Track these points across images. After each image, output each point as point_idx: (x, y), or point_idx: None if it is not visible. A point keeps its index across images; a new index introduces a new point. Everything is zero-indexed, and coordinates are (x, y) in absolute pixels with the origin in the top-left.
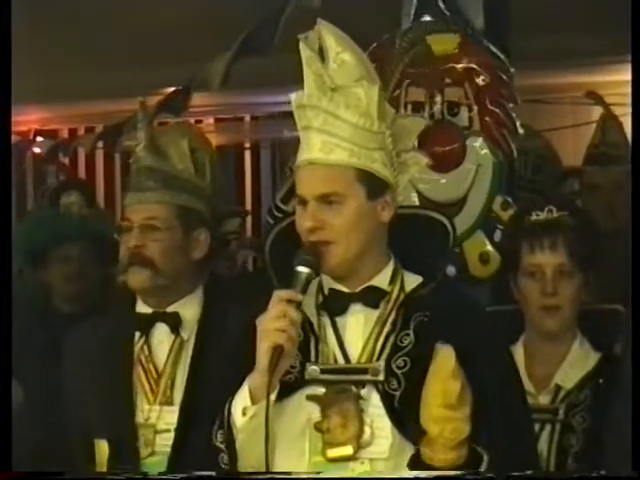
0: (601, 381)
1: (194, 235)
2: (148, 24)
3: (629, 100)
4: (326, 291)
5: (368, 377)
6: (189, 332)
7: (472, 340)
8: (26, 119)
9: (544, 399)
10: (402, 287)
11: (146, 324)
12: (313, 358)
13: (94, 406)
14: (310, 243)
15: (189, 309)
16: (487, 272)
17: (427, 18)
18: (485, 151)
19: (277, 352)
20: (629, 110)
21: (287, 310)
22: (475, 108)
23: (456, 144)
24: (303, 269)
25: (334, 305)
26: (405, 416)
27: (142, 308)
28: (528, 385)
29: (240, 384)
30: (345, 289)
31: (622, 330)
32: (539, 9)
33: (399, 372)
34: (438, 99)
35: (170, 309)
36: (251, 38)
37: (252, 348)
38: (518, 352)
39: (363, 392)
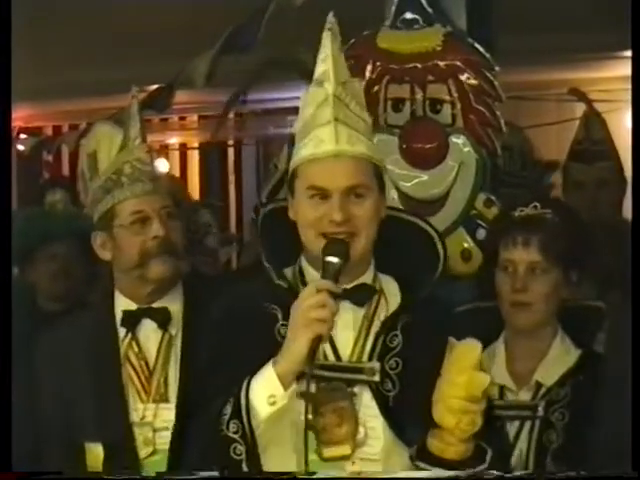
0: (582, 378)
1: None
2: (133, 23)
3: (616, 96)
4: None
5: (363, 377)
6: (176, 327)
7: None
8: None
9: (525, 395)
10: (381, 288)
11: (132, 321)
12: None
13: (83, 409)
14: (333, 235)
15: (174, 304)
16: (468, 269)
17: (409, 15)
18: (468, 149)
19: (316, 342)
20: (620, 106)
21: (327, 300)
22: (459, 105)
23: (437, 141)
24: (333, 259)
25: None
26: (399, 417)
27: (125, 305)
28: (509, 382)
29: (235, 372)
30: None
31: (604, 327)
32: (523, 6)
33: (392, 373)
34: (419, 96)
35: (157, 304)
36: (235, 35)
37: (237, 336)
38: (499, 349)
39: (355, 391)
